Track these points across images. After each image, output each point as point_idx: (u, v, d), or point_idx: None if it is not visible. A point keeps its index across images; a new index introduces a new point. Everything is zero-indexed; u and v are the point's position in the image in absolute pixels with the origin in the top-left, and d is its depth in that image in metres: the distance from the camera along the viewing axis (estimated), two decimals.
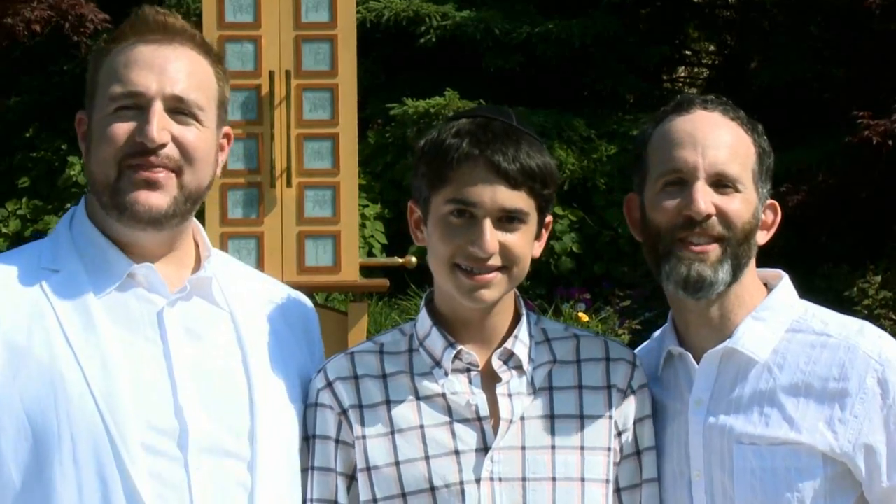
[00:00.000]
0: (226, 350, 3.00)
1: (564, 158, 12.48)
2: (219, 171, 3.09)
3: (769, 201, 3.16)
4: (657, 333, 3.31)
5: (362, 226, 11.82)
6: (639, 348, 3.33)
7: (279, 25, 6.85)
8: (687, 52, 16.16)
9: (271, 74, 6.76)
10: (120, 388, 2.85)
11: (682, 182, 3.05)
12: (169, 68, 2.96)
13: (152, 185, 2.93)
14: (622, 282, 11.96)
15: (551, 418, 3.03)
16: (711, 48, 16.21)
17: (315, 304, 3.36)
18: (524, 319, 3.10)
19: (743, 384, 3.07)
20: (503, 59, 13.26)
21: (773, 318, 3.11)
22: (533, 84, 13.52)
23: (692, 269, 3.04)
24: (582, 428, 3.04)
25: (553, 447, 3.02)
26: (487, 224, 2.97)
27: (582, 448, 3.03)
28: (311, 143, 6.88)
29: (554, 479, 3.00)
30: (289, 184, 6.81)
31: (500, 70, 13.23)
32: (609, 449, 3.05)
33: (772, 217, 3.18)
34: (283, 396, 3.04)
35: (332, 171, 6.87)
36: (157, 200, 2.94)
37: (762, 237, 3.16)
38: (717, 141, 3.06)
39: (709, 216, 3.03)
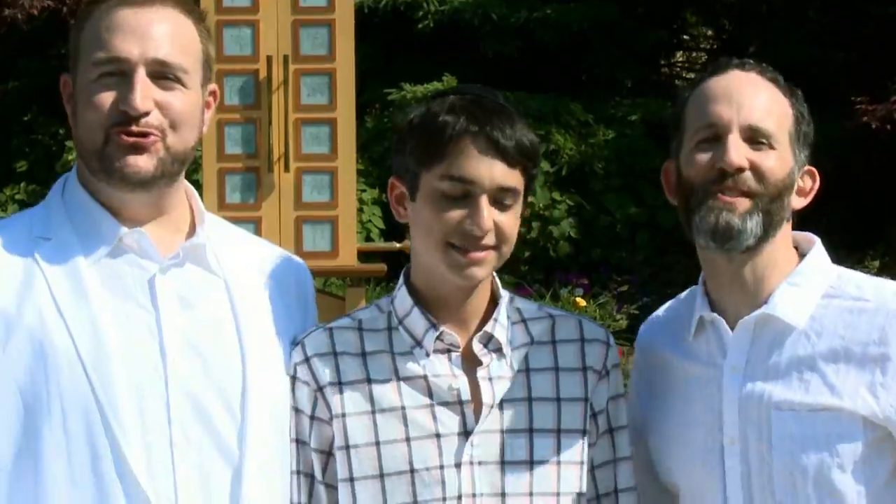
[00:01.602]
0: (219, 319, 2.98)
1: (562, 143, 12.47)
2: (205, 129, 3.07)
3: (807, 167, 3.15)
4: (683, 296, 3.29)
5: (360, 211, 11.81)
6: (660, 311, 3.32)
7: (277, 10, 6.84)
8: (685, 37, 16.14)
9: (269, 59, 6.75)
10: (110, 357, 2.84)
11: (716, 138, 3.04)
12: (151, 32, 2.93)
13: (139, 150, 2.92)
14: (620, 267, 11.97)
15: (529, 401, 3.03)
16: (709, 33, 16.19)
17: None
18: (503, 302, 3.09)
19: (780, 351, 3.05)
20: (501, 44, 13.25)
21: (808, 284, 3.09)
22: (531, 69, 13.50)
23: (721, 218, 3.01)
24: (559, 412, 3.04)
25: (531, 430, 3.02)
26: (484, 202, 2.95)
27: (558, 431, 3.03)
28: (309, 127, 6.87)
29: (531, 462, 3.00)
30: (286, 169, 6.80)
31: (499, 55, 13.22)
32: (584, 431, 3.05)
33: (810, 183, 3.17)
34: (276, 368, 3.03)
35: (329, 156, 6.86)
36: (145, 163, 2.92)
37: (798, 202, 3.15)
38: (753, 97, 3.06)
39: (741, 169, 3.01)
